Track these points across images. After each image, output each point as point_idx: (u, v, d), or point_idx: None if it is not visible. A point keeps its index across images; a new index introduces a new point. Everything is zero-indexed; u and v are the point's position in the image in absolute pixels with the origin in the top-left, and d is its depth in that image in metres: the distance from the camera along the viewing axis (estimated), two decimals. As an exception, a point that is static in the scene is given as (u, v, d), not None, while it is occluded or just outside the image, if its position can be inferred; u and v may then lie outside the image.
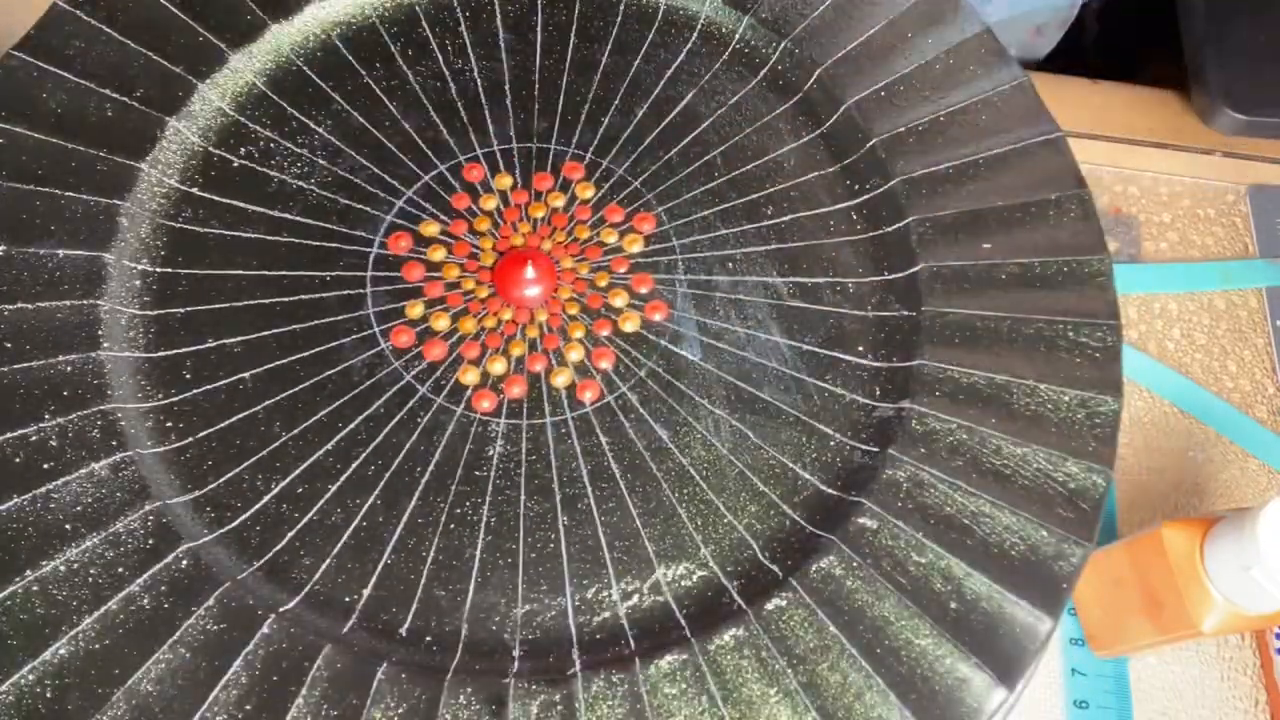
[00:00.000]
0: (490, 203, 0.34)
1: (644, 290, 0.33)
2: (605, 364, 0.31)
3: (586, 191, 0.34)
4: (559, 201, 0.34)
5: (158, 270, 0.32)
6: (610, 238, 0.34)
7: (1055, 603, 0.27)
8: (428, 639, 0.27)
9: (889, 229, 0.34)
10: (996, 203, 0.33)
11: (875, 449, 0.30)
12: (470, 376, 0.31)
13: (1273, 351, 0.41)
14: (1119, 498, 0.38)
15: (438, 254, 0.33)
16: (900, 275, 0.33)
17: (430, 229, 0.33)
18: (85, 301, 0.30)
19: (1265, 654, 0.36)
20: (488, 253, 0.33)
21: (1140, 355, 0.40)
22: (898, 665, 0.26)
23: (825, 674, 0.26)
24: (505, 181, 0.34)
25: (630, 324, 0.32)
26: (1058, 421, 0.30)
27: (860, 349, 0.32)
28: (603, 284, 0.33)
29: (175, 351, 0.31)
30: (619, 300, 0.33)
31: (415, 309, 0.32)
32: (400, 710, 0.25)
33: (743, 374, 0.31)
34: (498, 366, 0.31)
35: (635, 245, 0.33)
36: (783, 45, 0.37)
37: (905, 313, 0.32)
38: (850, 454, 0.30)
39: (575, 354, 0.32)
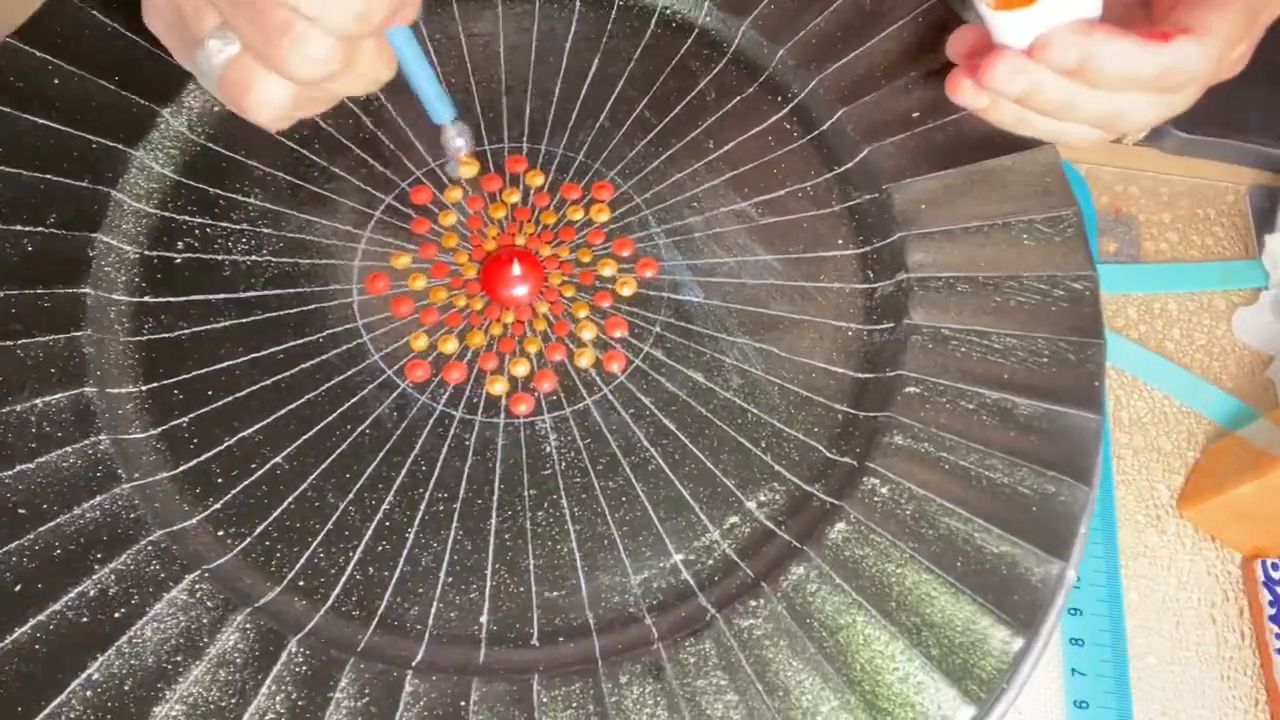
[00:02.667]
0: (449, 218, 0.34)
1: (627, 253, 0.33)
2: (620, 332, 0.32)
3: (536, 179, 0.35)
4: (514, 197, 0.34)
5: (144, 388, 0.30)
6: (577, 214, 0.34)
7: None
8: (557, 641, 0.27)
9: (824, 129, 0.35)
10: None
11: (891, 325, 0.32)
12: (499, 386, 0.31)
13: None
14: (1119, 498, 0.38)
15: (419, 282, 0.33)
16: (849, 167, 0.35)
17: (402, 260, 0.33)
18: (88, 440, 0.29)
19: (1265, 654, 0.35)
20: (467, 265, 0.33)
21: (1138, 348, 0.40)
22: (965, 562, 0.28)
23: (898, 580, 0.28)
24: (455, 194, 0.34)
25: (628, 288, 0.33)
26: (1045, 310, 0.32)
27: (839, 241, 0.34)
28: (587, 259, 0.33)
29: (196, 462, 0.29)
30: (608, 270, 0.33)
31: (419, 340, 0.32)
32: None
33: (747, 299, 0.33)
34: (521, 369, 0.31)
35: (603, 215, 0.34)
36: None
37: (868, 196, 0.34)
38: (870, 337, 0.32)
39: (588, 332, 0.32)
